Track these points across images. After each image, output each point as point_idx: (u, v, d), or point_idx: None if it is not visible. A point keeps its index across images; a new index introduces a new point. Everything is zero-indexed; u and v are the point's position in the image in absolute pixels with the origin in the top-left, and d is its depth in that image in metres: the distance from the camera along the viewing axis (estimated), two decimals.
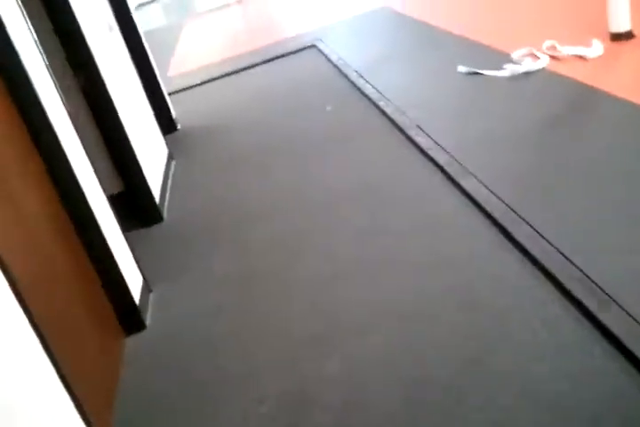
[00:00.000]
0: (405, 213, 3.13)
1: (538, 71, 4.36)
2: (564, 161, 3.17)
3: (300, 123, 4.82)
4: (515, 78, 4.36)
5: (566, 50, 4.46)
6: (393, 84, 4.98)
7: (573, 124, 3.61)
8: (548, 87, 4.16)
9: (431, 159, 3.55)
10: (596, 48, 4.34)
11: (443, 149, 3.61)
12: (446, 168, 3.36)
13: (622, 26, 4.39)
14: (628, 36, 4.39)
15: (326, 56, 6.29)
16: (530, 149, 3.42)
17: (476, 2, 6.70)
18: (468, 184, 3.12)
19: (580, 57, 4.34)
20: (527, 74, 4.35)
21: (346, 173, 3.79)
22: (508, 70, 4.42)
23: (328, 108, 4.86)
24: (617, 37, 4.41)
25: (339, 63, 5.87)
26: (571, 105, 3.97)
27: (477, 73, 4.58)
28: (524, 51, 4.65)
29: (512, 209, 2.79)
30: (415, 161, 3.62)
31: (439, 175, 3.37)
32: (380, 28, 7.11)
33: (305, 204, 3.55)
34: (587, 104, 3.96)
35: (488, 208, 2.85)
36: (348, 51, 6.27)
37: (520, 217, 2.71)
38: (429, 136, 3.83)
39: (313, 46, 6.85)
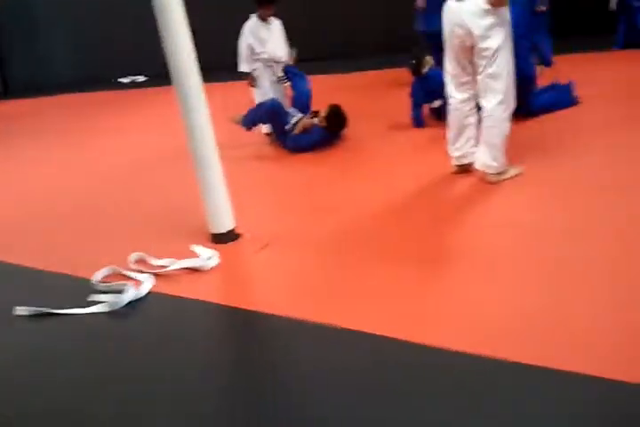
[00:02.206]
0: None
1: (145, 297, 3.07)
2: None
3: None
4: (116, 314, 2.96)
5: (170, 263, 3.31)
6: None
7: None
8: (171, 319, 2.91)
9: None
10: (205, 255, 3.33)
11: None
12: None
13: (224, 224, 3.52)
14: (232, 235, 3.53)
15: None
16: None
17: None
18: None
19: (194, 269, 3.25)
20: (131, 303, 3.02)
21: None
22: (106, 304, 3.00)
23: None
24: (220, 239, 3.51)
25: None
26: (219, 337, 2.81)
27: (52, 313, 3.02)
28: (105, 271, 3.32)
29: None
30: None
31: None
32: None
33: None
34: (236, 328, 2.87)
35: None
36: None
37: None
38: None
39: None
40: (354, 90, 7.09)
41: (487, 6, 3.48)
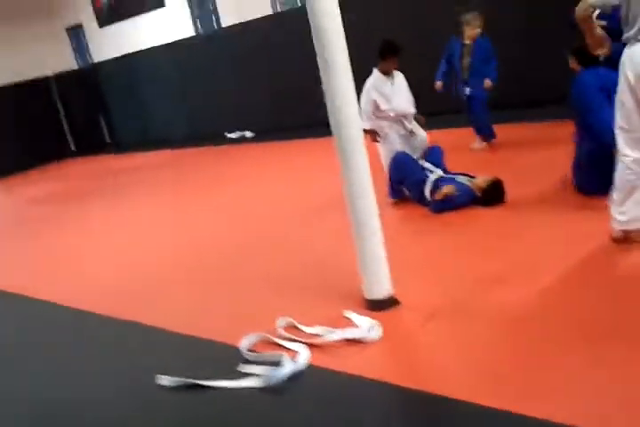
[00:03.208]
0: None
1: (302, 371, 2.69)
2: None
3: None
4: (271, 389, 2.60)
5: (325, 331, 2.94)
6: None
7: None
8: (334, 398, 2.51)
9: None
10: (365, 324, 2.93)
11: None
12: None
13: (383, 290, 3.14)
14: (390, 302, 3.14)
15: None
16: None
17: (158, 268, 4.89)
18: None
19: (353, 340, 2.86)
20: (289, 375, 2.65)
21: None
22: (260, 378, 2.64)
23: None
24: (377, 306, 3.12)
25: None
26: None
27: (198, 384, 2.68)
28: (253, 338, 2.98)
29: None
30: None
31: None
32: None
33: None
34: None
35: None
36: None
37: None
38: None
39: None
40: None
41: None
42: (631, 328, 2.60)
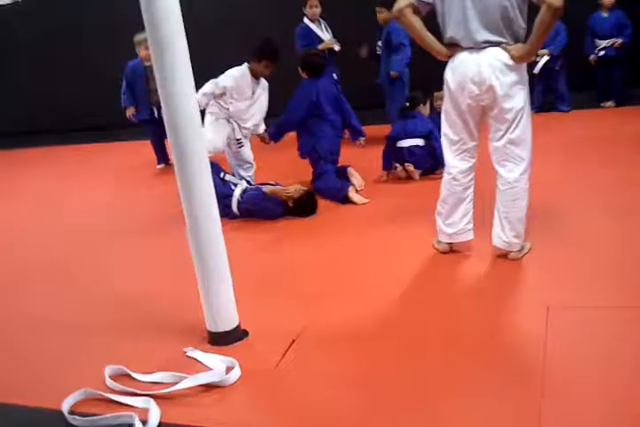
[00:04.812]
0: None
1: None
2: None
3: None
4: None
5: (169, 379, 2.42)
6: None
7: None
8: None
9: None
10: (218, 365, 2.47)
11: None
12: None
13: (229, 320, 2.70)
14: (239, 334, 2.72)
15: None
16: None
17: None
18: None
19: (207, 386, 2.38)
20: None
21: None
22: None
23: None
24: (223, 339, 2.68)
25: None
26: None
27: None
28: (77, 396, 2.35)
29: None
30: None
31: None
32: None
33: None
34: None
35: None
36: None
37: None
38: None
39: None
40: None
41: (510, 61, 3.08)
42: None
